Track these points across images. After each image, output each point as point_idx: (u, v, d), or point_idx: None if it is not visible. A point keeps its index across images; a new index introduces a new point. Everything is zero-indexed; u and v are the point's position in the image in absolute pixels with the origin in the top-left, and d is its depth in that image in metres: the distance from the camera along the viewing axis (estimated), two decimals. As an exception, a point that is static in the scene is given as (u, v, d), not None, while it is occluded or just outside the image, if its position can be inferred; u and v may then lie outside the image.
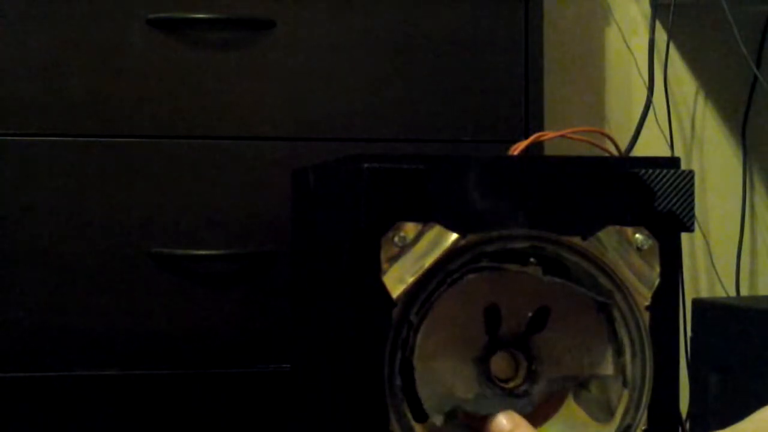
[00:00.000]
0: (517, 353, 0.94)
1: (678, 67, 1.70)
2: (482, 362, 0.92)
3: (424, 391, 0.89)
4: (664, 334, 0.94)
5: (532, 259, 0.92)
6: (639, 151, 1.59)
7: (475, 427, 0.93)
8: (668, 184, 0.93)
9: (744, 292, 1.70)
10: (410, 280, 0.89)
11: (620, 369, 0.93)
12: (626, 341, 0.94)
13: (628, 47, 1.68)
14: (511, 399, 0.92)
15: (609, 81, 1.68)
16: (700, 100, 1.72)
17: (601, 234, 0.92)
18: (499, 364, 0.93)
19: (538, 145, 1.16)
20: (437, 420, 0.90)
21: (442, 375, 0.91)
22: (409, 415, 0.89)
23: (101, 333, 1.22)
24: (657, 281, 0.94)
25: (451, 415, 0.91)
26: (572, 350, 0.94)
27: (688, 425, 1.29)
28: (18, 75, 1.21)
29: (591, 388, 0.95)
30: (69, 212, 1.22)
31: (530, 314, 0.93)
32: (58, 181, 1.22)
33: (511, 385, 0.93)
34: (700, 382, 1.23)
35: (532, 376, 0.93)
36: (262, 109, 1.26)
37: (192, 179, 1.24)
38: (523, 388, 0.93)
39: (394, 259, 0.89)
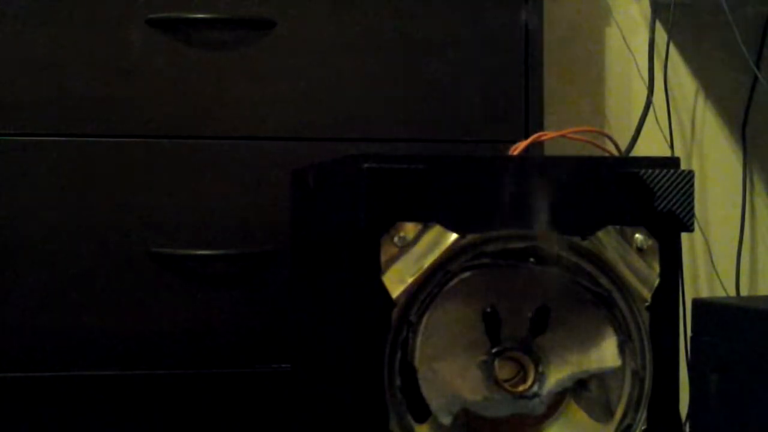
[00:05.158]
0: (523, 357, 0.94)
1: (678, 67, 1.70)
2: (487, 366, 0.92)
3: (429, 393, 0.89)
4: (664, 334, 0.94)
5: (531, 259, 0.92)
6: (639, 151, 1.59)
7: (476, 426, 0.93)
8: (668, 184, 0.93)
9: (744, 292, 1.70)
10: (410, 280, 0.89)
11: (627, 360, 0.93)
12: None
13: (628, 47, 1.68)
14: (521, 401, 0.93)
15: (609, 81, 1.68)
16: (700, 100, 1.72)
17: (601, 234, 0.92)
18: (504, 368, 0.93)
19: (538, 145, 1.16)
20: (446, 420, 0.90)
21: (447, 377, 0.91)
22: (409, 416, 0.90)
23: (101, 333, 1.22)
24: (657, 281, 0.94)
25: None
26: (577, 347, 0.94)
27: (688, 425, 1.29)
28: (18, 75, 1.21)
29: (591, 388, 0.95)
30: (69, 212, 1.22)
31: (530, 315, 0.93)
32: (58, 181, 1.22)
33: (520, 389, 0.93)
34: (700, 382, 1.23)
35: (540, 378, 0.93)
36: (262, 109, 1.26)
37: (192, 179, 1.24)
38: (532, 390, 0.93)
39: (394, 259, 0.89)
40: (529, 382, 0.93)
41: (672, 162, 0.95)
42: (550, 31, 1.42)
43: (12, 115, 1.21)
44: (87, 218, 1.22)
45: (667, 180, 0.93)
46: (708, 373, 1.22)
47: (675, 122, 1.68)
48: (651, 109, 1.60)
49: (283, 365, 1.24)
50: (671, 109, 1.66)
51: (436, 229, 0.89)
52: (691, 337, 1.25)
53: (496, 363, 0.92)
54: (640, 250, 0.93)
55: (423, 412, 0.90)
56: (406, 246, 0.89)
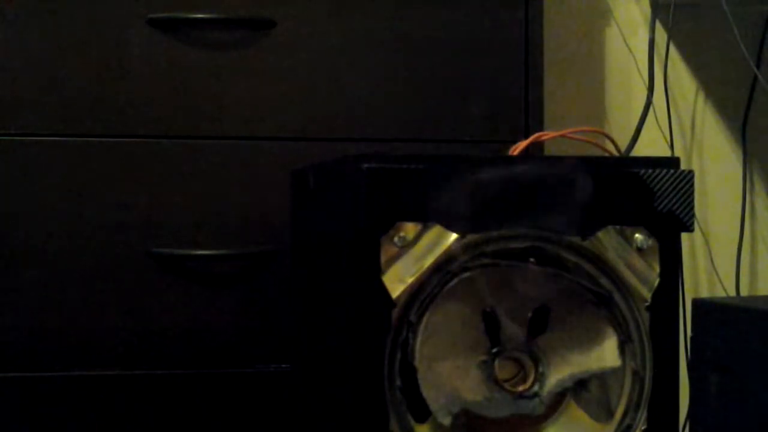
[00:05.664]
0: (523, 357, 0.94)
1: (678, 67, 1.70)
2: (487, 366, 0.92)
3: (429, 393, 0.89)
4: (664, 334, 0.94)
5: (531, 259, 0.92)
6: (639, 151, 1.59)
7: (476, 426, 0.93)
8: (668, 184, 0.93)
9: (744, 292, 1.70)
10: (410, 280, 0.89)
11: (626, 360, 0.93)
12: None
13: (628, 47, 1.68)
14: (521, 401, 0.93)
15: (609, 81, 1.68)
16: (700, 100, 1.72)
17: (601, 234, 0.92)
18: (504, 368, 0.93)
19: (538, 145, 1.16)
20: (446, 420, 0.90)
21: (447, 377, 0.91)
22: (409, 416, 0.90)
23: (101, 333, 1.22)
24: (657, 281, 0.94)
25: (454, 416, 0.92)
26: (577, 347, 0.94)
27: (688, 425, 1.29)
28: (18, 75, 1.21)
29: (591, 388, 0.95)
30: (69, 212, 1.22)
31: (530, 315, 0.93)
32: (58, 181, 1.22)
33: (520, 389, 0.93)
34: (700, 382, 1.23)
35: (540, 378, 0.93)
36: (262, 109, 1.26)
37: (192, 179, 1.24)
38: (532, 390, 0.93)
39: (393, 259, 0.89)
40: (529, 382, 0.93)
41: (672, 162, 0.95)
42: (550, 31, 1.42)
43: (12, 115, 1.21)
44: (87, 218, 1.22)
45: (667, 180, 0.93)
46: (708, 373, 1.22)
47: (675, 122, 1.68)
48: (651, 109, 1.60)
49: (283, 365, 1.24)
50: (671, 109, 1.66)
51: (436, 229, 0.89)
52: (691, 337, 1.25)
53: (496, 363, 0.92)
54: (640, 250, 0.93)
55: (423, 412, 0.90)
56: (406, 246, 0.89)
